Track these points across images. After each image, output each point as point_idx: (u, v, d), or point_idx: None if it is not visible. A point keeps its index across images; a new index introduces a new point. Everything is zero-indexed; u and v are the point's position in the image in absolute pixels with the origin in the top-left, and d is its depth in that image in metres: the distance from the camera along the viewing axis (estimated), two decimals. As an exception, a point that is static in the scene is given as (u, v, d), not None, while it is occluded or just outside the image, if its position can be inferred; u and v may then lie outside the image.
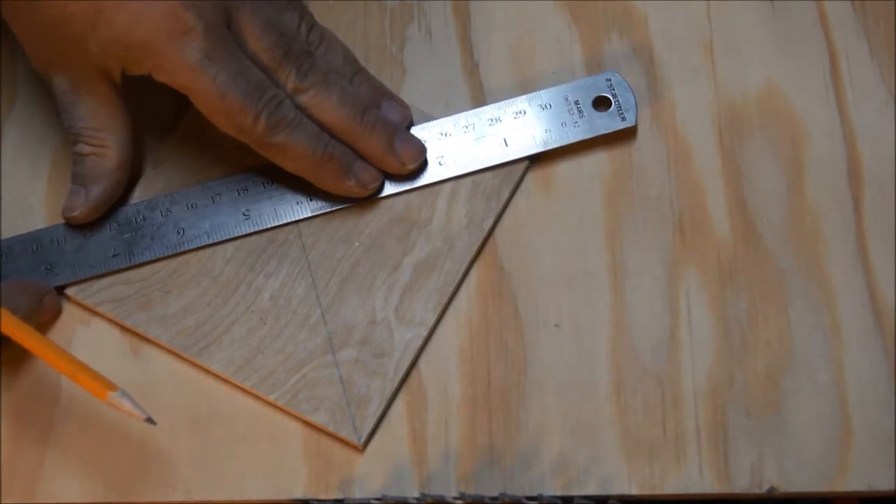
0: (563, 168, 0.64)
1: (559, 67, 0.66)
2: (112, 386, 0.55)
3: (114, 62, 0.60)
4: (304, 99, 0.61)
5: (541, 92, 0.64)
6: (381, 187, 0.63)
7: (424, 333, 0.61)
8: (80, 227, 0.63)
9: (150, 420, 0.55)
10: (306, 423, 0.59)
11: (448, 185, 0.63)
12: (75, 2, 0.58)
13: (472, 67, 0.67)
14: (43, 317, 0.61)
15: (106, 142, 0.62)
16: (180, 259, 0.62)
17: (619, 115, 0.64)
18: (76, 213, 0.62)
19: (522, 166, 0.64)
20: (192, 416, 0.60)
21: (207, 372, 0.60)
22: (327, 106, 0.61)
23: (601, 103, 0.64)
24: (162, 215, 0.63)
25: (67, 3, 0.58)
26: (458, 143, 0.64)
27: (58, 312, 0.62)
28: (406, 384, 0.60)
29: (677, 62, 0.66)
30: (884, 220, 0.62)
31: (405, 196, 0.63)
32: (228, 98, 0.59)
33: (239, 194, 0.63)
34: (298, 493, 0.58)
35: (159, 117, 0.66)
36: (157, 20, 0.58)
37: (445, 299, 0.61)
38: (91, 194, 0.62)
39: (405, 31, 0.68)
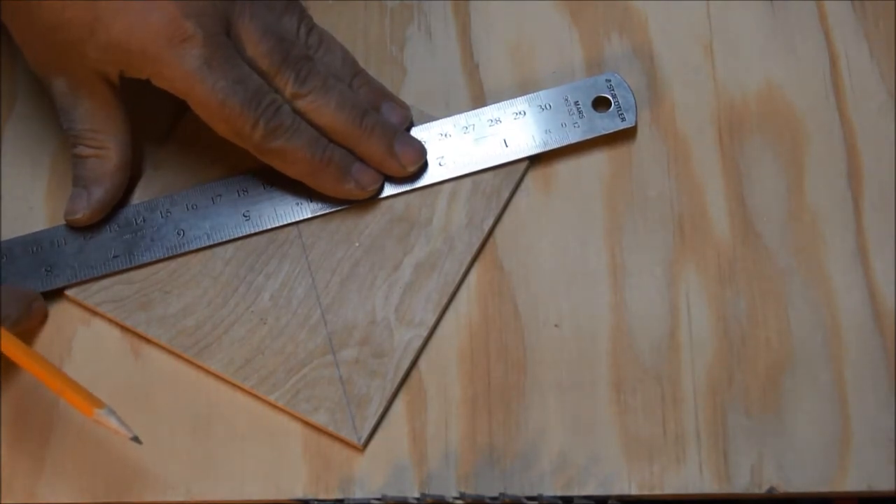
0: (563, 168, 0.64)
1: (559, 68, 0.66)
2: (99, 403, 0.55)
3: (112, 66, 0.60)
4: (302, 104, 0.61)
5: (540, 93, 0.64)
6: (381, 188, 0.63)
7: (424, 333, 0.61)
8: (81, 228, 0.63)
9: (135, 439, 0.55)
10: (306, 423, 0.59)
11: (448, 186, 0.63)
12: (73, 8, 0.58)
13: (472, 67, 0.67)
14: (30, 323, 0.61)
15: (106, 143, 0.62)
16: (180, 259, 0.63)
17: (619, 115, 0.64)
18: (79, 216, 0.62)
19: (522, 166, 0.64)
20: (192, 416, 0.60)
21: (207, 372, 0.60)
22: (326, 110, 0.61)
23: (601, 104, 0.64)
24: (162, 216, 0.63)
25: (66, 8, 0.58)
26: (457, 144, 0.64)
27: (44, 318, 0.62)
28: (406, 384, 0.60)
29: (677, 62, 0.66)
30: (884, 220, 0.62)
31: (405, 196, 0.63)
32: (227, 105, 0.59)
33: (239, 195, 0.63)
34: (298, 493, 0.58)
35: (159, 118, 0.66)
36: (157, 27, 0.58)
37: (445, 299, 0.61)
38: (93, 196, 0.62)
39: (405, 31, 0.68)
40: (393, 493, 0.58)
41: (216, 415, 0.60)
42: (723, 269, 0.62)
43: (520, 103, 0.64)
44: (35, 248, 0.63)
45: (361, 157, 0.62)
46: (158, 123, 0.65)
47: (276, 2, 0.62)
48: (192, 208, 0.63)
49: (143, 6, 0.58)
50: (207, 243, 0.62)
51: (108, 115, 0.62)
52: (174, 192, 0.63)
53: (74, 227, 0.63)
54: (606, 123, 0.64)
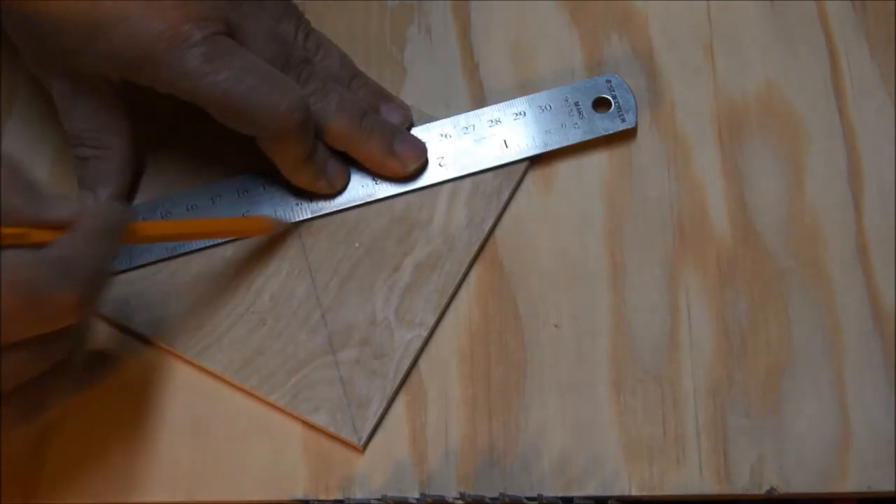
0: (564, 168, 0.64)
1: (559, 68, 0.66)
2: (265, 218, 0.62)
3: (113, 72, 0.60)
4: None
5: (540, 93, 0.64)
6: (346, 185, 0.63)
7: (424, 334, 0.61)
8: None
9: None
10: (306, 424, 0.59)
11: (448, 186, 0.63)
12: (73, 15, 0.58)
13: (472, 68, 0.67)
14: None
15: (108, 143, 0.62)
16: (181, 260, 0.62)
17: (619, 116, 0.64)
18: None
19: (522, 167, 0.64)
20: (192, 416, 0.60)
21: (207, 372, 0.60)
22: (326, 113, 0.61)
23: (601, 104, 0.64)
24: (162, 217, 0.63)
25: (65, 15, 0.58)
26: (458, 145, 0.64)
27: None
28: (406, 384, 0.60)
29: (677, 62, 0.66)
30: (884, 220, 0.62)
31: (405, 196, 0.63)
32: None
33: (239, 196, 0.63)
34: (298, 493, 0.58)
35: (159, 119, 0.66)
36: (157, 34, 0.58)
37: (445, 299, 0.61)
38: (101, 198, 0.62)
39: (405, 32, 0.68)
40: (393, 493, 0.58)
41: (216, 415, 0.60)
42: (723, 269, 0.62)
43: (520, 104, 0.64)
44: (35, 249, 0.63)
45: (362, 157, 0.63)
46: (158, 123, 0.65)
47: (274, 6, 0.62)
48: (192, 208, 0.63)
49: (144, 13, 0.58)
50: (207, 244, 0.62)
51: (109, 115, 0.62)
52: (174, 193, 0.63)
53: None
54: (606, 124, 0.64)
